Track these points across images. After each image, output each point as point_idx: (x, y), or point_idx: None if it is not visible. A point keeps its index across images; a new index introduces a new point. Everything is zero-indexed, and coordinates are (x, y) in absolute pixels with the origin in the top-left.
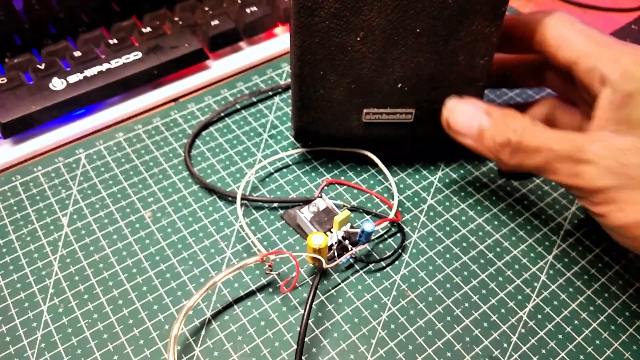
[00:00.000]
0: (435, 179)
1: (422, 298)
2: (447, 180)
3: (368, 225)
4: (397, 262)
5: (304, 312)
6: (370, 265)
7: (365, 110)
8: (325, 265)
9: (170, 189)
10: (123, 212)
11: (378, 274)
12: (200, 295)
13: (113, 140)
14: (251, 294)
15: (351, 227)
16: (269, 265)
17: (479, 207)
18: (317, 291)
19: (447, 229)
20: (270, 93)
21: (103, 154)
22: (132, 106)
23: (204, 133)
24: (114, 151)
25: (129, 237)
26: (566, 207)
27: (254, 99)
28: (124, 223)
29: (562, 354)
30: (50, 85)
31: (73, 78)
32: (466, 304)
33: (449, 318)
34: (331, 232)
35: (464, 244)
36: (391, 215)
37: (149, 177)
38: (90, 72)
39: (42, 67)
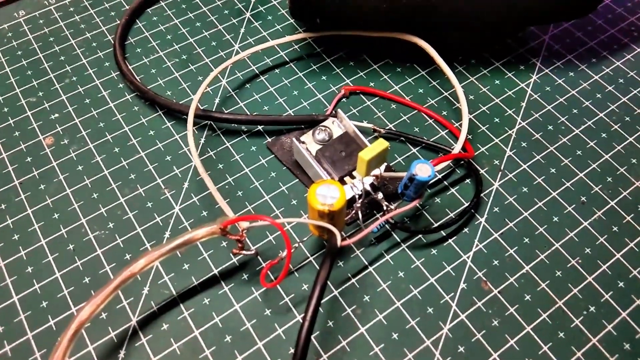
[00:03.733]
0: (528, 85)
1: (513, 296)
2: (547, 88)
3: (422, 168)
4: (467, 230)
5: (304, 320)
6: (421, 236)
7: None
8: (339, 241)
9: (89, 100)
10: (9, 136)
11: (434, 251)
12: (108, 292)
13: (9, 21)
14: (210, 284)
15: (388, 168)
16: (238, 240)
17: (604, 135)
18: (328, 282)
19: (553, 171)
20: None
21: None
22: None
23: (149, 10)
24: (7, 39)
25: (13, 180)
26: None
27: None
28: (9, 155)
29: None
30: None
31: None
32: (591, 308)
33: (562, 334)
34: (353, 179)
35: (583, 198)
36: (457, 148)
37: (57, 80)
38: None
39: None
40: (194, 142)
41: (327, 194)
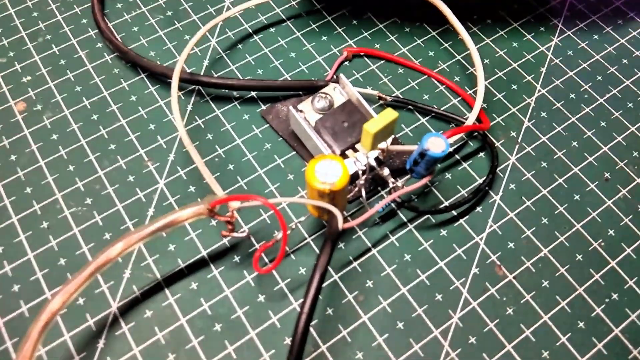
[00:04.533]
0: (548, 49)
1: (529, 282)
2: (569, 52)
3: (435, 142)
4: (480, 209)
5: (301, 312)
6: (429, 216)
7: None
8: (341, 224)
9: (64, 61)
10: None
11: (444, 232)
12: (82, 280)
13: None
14: (198, 267)
15: (395, 141)
16: (228, 222)
17: (630, 104)
18: (328, 267)
19: (575, 144)
20: None
21: None
22: None
23: None
24: None
25: None
26: None
27: None
28: None
29: None
30: None
31: None
32: (614, 295)
33: (582, 324)
34: (355, 152)
35: (607, 174)
36: (471, 118)
37: (29, 39)
38: None
39: None
40: (180, 109)
41: (328, 171)
